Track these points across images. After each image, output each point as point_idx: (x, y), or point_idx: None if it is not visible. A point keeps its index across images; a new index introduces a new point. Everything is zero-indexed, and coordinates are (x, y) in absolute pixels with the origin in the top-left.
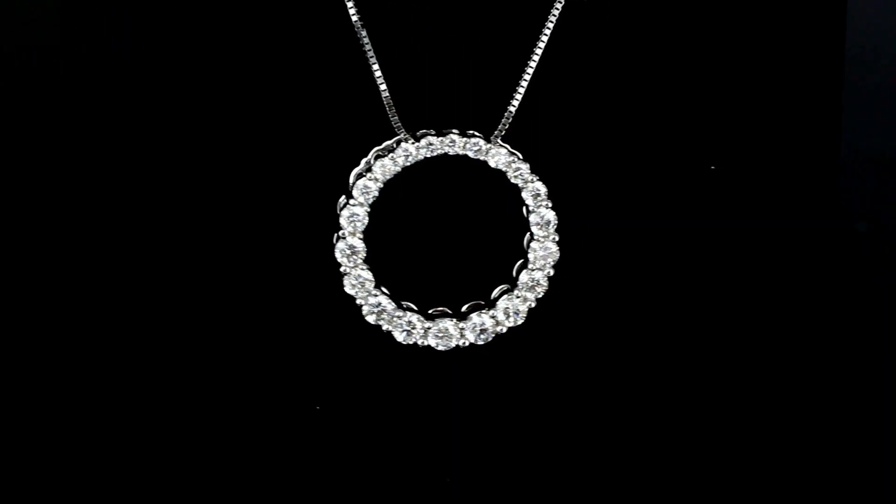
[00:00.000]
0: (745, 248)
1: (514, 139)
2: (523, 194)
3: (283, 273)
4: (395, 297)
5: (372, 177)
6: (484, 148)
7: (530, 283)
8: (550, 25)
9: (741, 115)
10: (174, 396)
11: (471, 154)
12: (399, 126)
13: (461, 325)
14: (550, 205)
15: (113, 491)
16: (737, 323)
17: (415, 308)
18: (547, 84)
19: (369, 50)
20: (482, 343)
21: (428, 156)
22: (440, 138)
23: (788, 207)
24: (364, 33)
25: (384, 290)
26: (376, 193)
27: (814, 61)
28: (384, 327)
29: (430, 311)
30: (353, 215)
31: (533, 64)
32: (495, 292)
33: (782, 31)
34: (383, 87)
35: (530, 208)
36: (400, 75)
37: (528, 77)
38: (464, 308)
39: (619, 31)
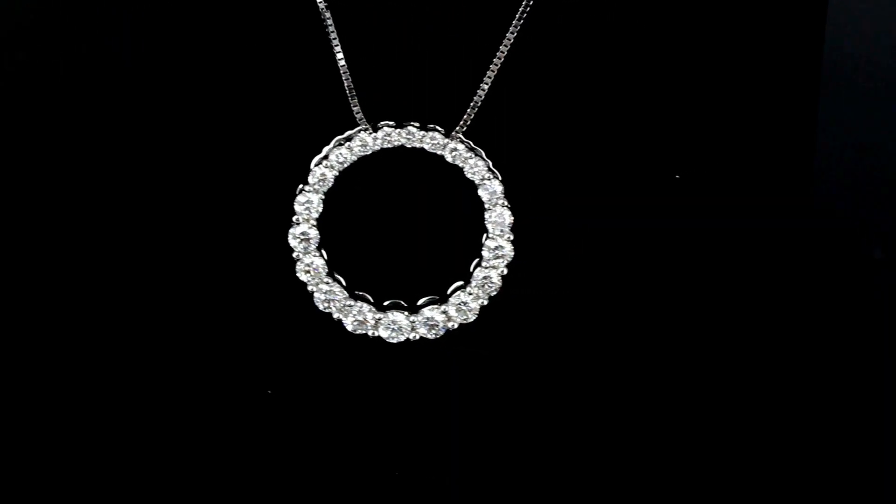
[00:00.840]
0: (719, 247)
1: (483, 136)
2: (479, 192)
3: (245, 262)
4: (352, 287)
5: (328, 164)
6: (441, 142)
7: (483, 282)
8: (519, 24)
9: (714, 113)
10: (148, 393)
11: (428, 147)
12: (361, 117)
13: (412, 318)
14: (507, 204)
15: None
16: (724, 322)
17: (369, 298)
18: (516, 80)
19: (335, 40)
20: (433, 338)
21: (385, 146)
22: (398, 130)
23: (764, 207)
24: (331, 23)
25: (339, 278)
26: (332, 182)
27: (791, 61)
28: (334, 315)
29: (385, 303)
30: (308, 202)
31: (498, 60)
32: (451, 288)
33: (759, 29)
34: (346, 77)
35: (486, 206)
36: (366, 67)
37: (492, 73)
38: (419, 302)
39: (589, 29)
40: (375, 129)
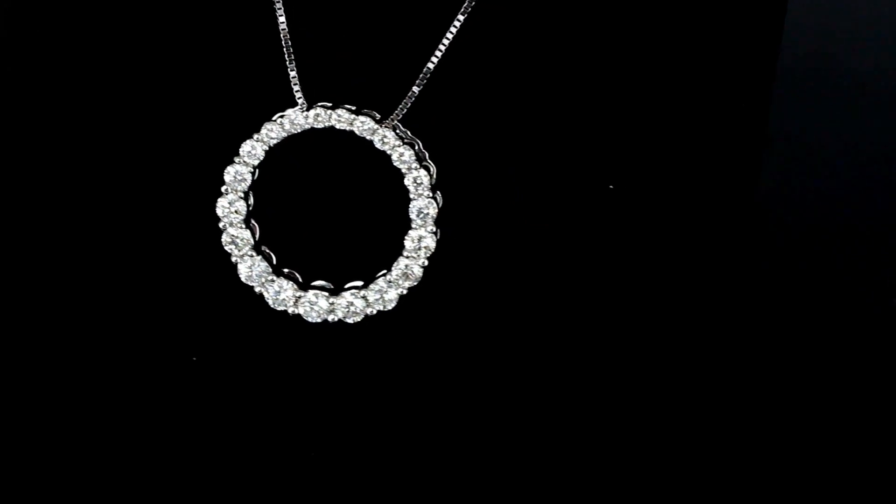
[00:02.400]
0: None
1: (428, 126)
2: (405, 181)
3: (174, 232)
4: (284, 264)
5: (258, 138)
6: (371, 128)
7: (403, 272)
8: (468, 10)
9: (652, 108)
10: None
11: (357, 132)
12: (301, 98)
13: (332, 300)
14: (432, 195)
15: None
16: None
17: (296, 276)
18: (462, 70)
19: (281, 17)
20: (351, 322)
21: (315, 126)
22: (329, 111)
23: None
24: (279, 4)
25: (269, 252)
26: (261, 156)
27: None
28: (256, 289)
29: (312, 284)
30: (237, 173)
31: (442, 46)
32: (378, 276)
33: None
34: (290, 56)
35: (410, 196)
36: (319, 50)
37: (434, 61)
38: (347, 286)
39: (540, 18)
40: (308, 109)
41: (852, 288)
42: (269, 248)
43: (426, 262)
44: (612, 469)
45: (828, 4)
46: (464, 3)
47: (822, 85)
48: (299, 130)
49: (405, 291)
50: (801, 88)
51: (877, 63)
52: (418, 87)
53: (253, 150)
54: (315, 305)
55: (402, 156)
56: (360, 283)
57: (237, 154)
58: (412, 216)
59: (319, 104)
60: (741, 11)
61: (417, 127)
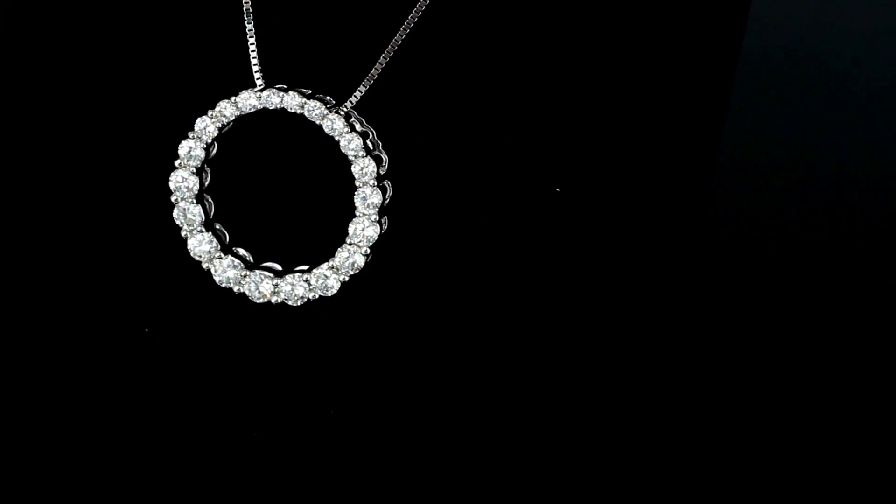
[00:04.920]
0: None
1: (388, 113)
2: (352, 168)
3: (128, 208)
4: (236, 243)
5: (212, 115)
6: (320, 113)
7: (345, 259)
8: (424, 5)
9: (619, 101)
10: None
11: (307, 116)
12: (260, 79)
13: (276, 281)
14: (378, 185)
15: None
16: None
17: (247, 256)
18: (421, 58)
19: (247, 2)
20: (292, 305)
21: (267, 107)
22: (281, 94)
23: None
24: None
25: (221, 229)
26: (214, 132)
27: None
28: (204, 265)
29: (261, 265)
30: (189, 149)
31: (399, 37)
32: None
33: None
34: (252, 44)
35: (356, 184)
36: (286, 34)
37: (392, 50)
38: (295, 269)
39: (501, 10)
40: (262, 90)
41: (853, 287)
42: (223, 227)
43: (368, 251)
44: (582, 461)
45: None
46: None
47: (787, 79)
48: (251, 111)
49: (347, 279)
50: (765, 83)
51: (848, 57)
52: (373, 75)
53: (206, 127)
54: (259, 285)
55: (350, 143)
56: (305, 268)
57: (192, 130)
58: (357, 204)
59: (275, 86)
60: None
61: (377, 115)
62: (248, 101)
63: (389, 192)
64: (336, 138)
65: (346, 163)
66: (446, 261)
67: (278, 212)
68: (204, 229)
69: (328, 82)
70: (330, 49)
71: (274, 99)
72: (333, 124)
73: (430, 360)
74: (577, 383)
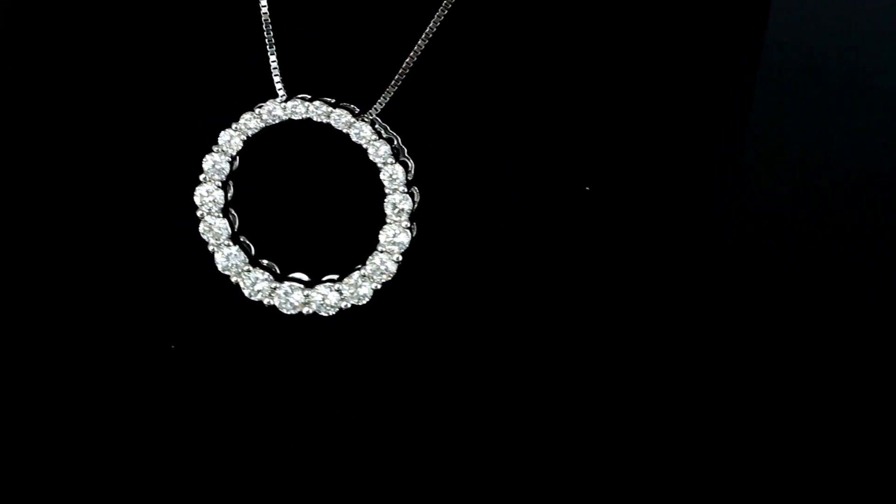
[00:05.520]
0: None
1: (410, 120)
2: (381, 176)
3: (153, 221)
4: (263, 255)
5: (236, 128)
6: (347, 121)
7: (377, 267)
8: (444, 12)
9: (637, 104)
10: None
11: (334, 125)
12: (281, 89)
13: (307, 292)
14: (407, 191)
15: None
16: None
17: (273, 267)
18: (444, 64)
19: (265, 13)
20: (325, 315)
21: (293, 118)
22: (306, 104)
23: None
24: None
25: (247, 242)
26: (239, 145)
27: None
28: (232, 279)
29: (288, 275)
30: (215, 162)
31: (423, 42)
32: (354, 270)
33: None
34: (272, 47)
35: (386, 191)
36: (299, 43)
37: (415, 55)
38: (324, 279)
39: (519, 16)
40: (287, 100)
41: (853, 287)
42: (248, 239)
43: (400, 258)
44: (596, 467)
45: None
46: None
47: (807, 82)
48: (277, 122)
49: (379, 286)
50: (785, 85)
51: (864, 60)
52: (397, 82)
53: (231, 140)
54: (290, 297)
55: (378, 150)
56: (335, 277)
57: (216, 143)
58: (387, 211)
59: (299, 96)
60: (726, 7)
61: (402, 121)
62: (273, 112)
63: (417, 198)
64: (364, 146)
65: (370, 171)
66: (470, 265)
67: (302, 222)
68: (231, 242)
69: (346, 90)
70: (345, 58)
71: (300, 109)
72: (361, 132)
73: (461, 364)
74: (595, 386)
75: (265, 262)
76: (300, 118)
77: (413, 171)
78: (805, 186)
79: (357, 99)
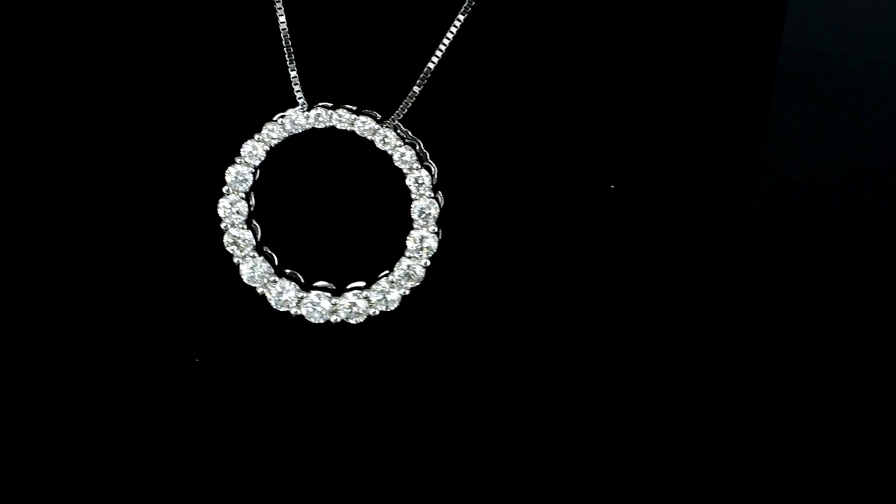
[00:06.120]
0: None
1: (428, 126)
2: (406, 181)
3: (177, 233)
4: (286, 264)
5: (259, 138)
6: (372, 128)
7: (406, 272)
8: (468, 9)
9: (650, 108)
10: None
11: (358, 132)
12: (301, 98)
13: (335, 300)
14: (433, 195)
15: None
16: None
17: (299, 277)
18: (463, 69)
19: (283, 23)
20: (353, 322)
21: (316, 126)
22: (329, 111)
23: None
24: (279, 4)
25: (270, 253)
26: (262, 156)
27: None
28: (258, 290)
29: (314, 284)
30: (238, 173)
31: (443, 46)
32: (381, 276)
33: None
34: (291, 57)
35: (412, 196)
36: (315, 51)
37: (435, 61)
38: (349, 287)
39: (535, 23)
40: (309, 109)
41: (854, 287)
42: (271, 249)
43: (428, 263)
44: (614, 470)
45: (829, 3)
46: (464, 3)
47: (823, 85)
48: (300, 131)
49: (408, 292)
50: (801, 88)
51: (878, 62)
52: (419, 86)
53: (254, 151)
54: (318, 306)
55: (404, 156)
56: (362, 284)
57: (238, 154)
58: (414, 216)
59: (320, 104)
60: (742, 11)
61: (419, 127)
62: (296, 120)
63: (442, 202)
64: (390, 152)
65: (392, 177)
66: (492, 269)
67: (323, 230)
68: (256, 253)
69: (360, 98)
70: (358, 66)
71: (324, 117)
72: (386, 138)
73: (490, 367)
74: (607, 385)
75: (289, 271)
76: (323, 126)
77: (436, 176)
78: (807, 187)
79: (372, 106)
